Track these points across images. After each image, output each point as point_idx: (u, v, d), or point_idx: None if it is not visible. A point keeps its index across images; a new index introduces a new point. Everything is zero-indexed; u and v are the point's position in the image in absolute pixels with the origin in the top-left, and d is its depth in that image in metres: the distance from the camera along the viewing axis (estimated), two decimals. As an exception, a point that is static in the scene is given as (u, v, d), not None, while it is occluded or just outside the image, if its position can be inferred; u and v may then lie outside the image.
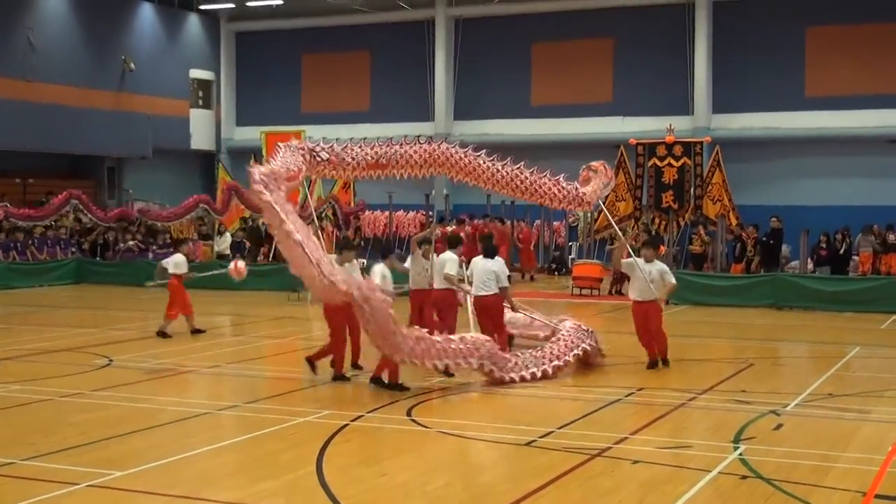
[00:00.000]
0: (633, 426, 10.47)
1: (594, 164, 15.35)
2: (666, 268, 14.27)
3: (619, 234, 18.31)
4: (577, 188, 15.01)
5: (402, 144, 14.23)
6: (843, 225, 26.18)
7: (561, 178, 14.87)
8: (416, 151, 14.18)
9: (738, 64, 32.69)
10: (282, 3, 36.39)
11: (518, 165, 14.69)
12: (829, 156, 31.74)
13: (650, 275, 13.82)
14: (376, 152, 13.97)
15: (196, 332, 17.23)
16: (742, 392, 12.34)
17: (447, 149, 14.43)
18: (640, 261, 14.00)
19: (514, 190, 14.76)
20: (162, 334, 16.84)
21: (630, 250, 15.44)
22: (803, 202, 30.61)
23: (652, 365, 13.94)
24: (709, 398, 12.03)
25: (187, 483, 8.49)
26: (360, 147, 14.03)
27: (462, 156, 14.39)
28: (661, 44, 33.69)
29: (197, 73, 38.36)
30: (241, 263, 17.01)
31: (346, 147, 13.98)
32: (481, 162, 14.48)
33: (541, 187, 14.72)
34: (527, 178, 14.67)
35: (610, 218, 19.28)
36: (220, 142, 39.47)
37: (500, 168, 14.57)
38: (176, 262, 17.45)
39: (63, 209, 28.61)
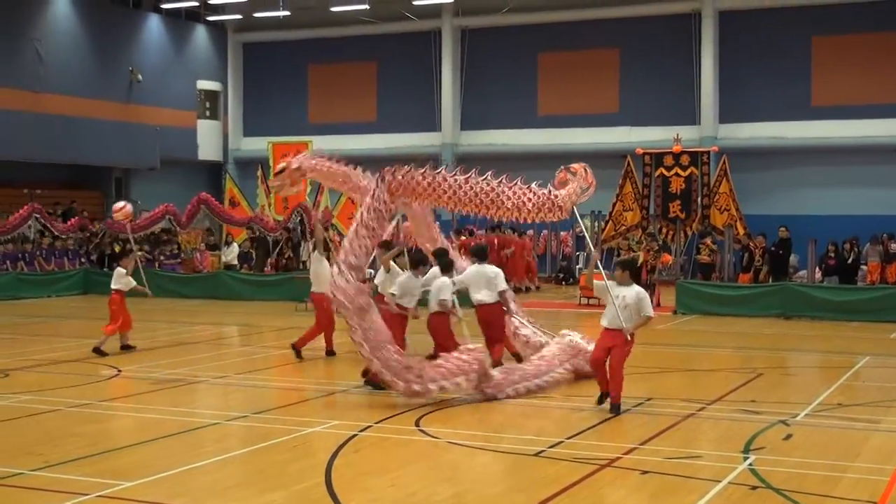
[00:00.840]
0: (642, 436, 10.40)
1: (574, 165, 13.53)
2: (645, 295, 11.80)
3: (591, 247, 15.35)
4: (549, 192, 13.22)
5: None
6: (851, 234, 26.12)
7: (533, 185, 13.19)
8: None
9: (745, 73, 32.71)
10: (289, 14, 36.49)
11: (484, 177, 13.04)
12: (837, 165, 31.72)
13: (623, 300, 11.59)
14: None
15: (126, 348, 16.48)
16: (751, 402, 12.29)
17: (404, 176, 12.89)
18: (612, 284, 11.81)
19: (477, 206, 13.10)
20: (98, 351, 15.97)
21: (602, 272, 13.12)
22: (811, 211, 30.56)
23: (601, 399, 11.88)
24: (718, 408, 11.97)
25: (195, 494, 8.47)
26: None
27: (420, 179, 12.90)
28: (667, 53, 33.72)
29: (204, 84, 38.46)
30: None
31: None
32: (441, 181, 12.96)
33: (507, 200, 12.98)
34: (492, 190, 12.99)
35: (582, 221, 14.42)
36: (227, 152, 39.58)
37: (461, 184, 13.00)
38: (116, 276, 16.77)
39: (25, 224, 28.53)
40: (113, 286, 16.57)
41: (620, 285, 11.75)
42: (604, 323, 11.82)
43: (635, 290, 11.74)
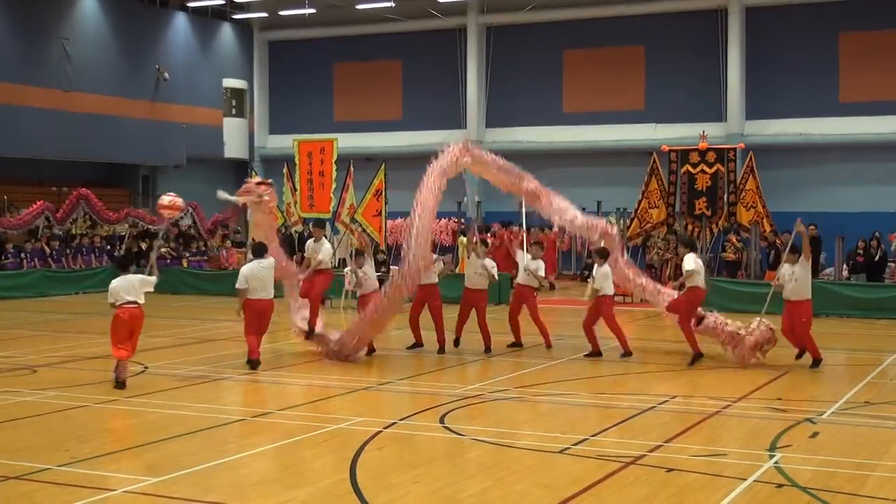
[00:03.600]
0: (667, 434, 10.38)
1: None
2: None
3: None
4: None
5: None
6: (879, 231, 25.90)
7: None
8: None
9: (771, 69, 32.50)
10: (314, 12, 36.58)
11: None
12: (864, 161, 31.47)
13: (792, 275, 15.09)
14: None
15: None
16: (777, 400, 12.25)
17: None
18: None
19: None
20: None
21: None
22: (838, 208, 30.35)
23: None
24: (744, 406, 11.94)
25: (221, 490, 8.52)
26: None
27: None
28: (693, 50, 33.55)
29: (230, 83, 38.61)
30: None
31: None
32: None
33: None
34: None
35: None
36: (253, 150, 39.73)
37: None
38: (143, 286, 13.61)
39: (35, 220, 28.78)
40: (140, 300, 13.34)
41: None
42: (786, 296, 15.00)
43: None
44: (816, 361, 14.91)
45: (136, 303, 13.08)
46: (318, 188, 23.51)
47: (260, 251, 15.04)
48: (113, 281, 13.27)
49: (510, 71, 36.01)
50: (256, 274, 14.70)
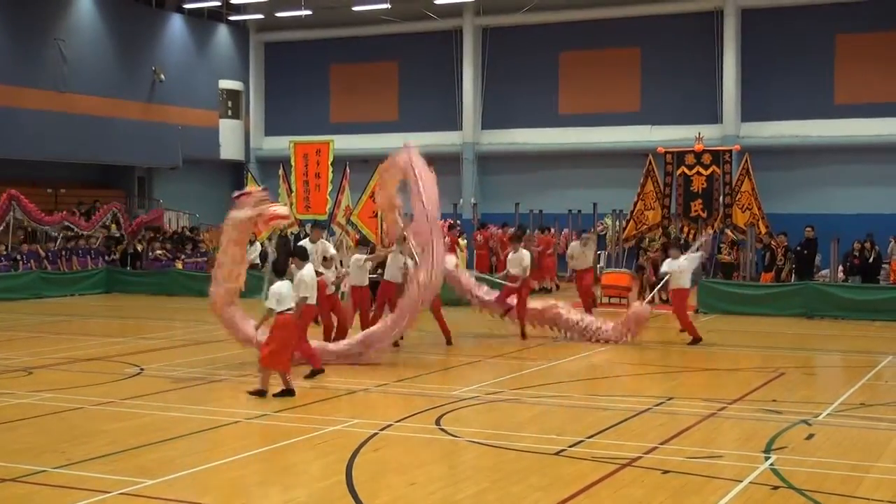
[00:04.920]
0: (662, 436, 10.36)
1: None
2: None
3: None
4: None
5: None
6: (875, 233, 25.91)
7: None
8: None
9: (767, 71, 32.54)
10: (310, 13, 36.58)
11: None
12: (860, 163, 31.53)
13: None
14: None
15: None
16: (773, 402, 12.24)
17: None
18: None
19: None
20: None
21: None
22: (833, 210, 30.40)
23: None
24: (739, 408, 11.92)
25: (218, 492, 8.51)
26: None
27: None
28: (689, 52, 33.59)
29: (226, 84, 38.59)
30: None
31: None
32: None
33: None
34: None
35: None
36: (248, 151, 39.72)
37: None
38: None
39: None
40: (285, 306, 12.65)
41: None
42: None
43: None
44: (695, 340, 17.29)
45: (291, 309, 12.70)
46: (314, 190, 23.47)
47: (305, 256, 14.31)
48: (276, 285, 12.71)
49: (506, 72, 36.03)
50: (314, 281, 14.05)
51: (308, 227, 18.62)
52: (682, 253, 17.80)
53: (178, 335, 19.23)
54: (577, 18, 34.92)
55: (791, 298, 21.99)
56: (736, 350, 17.39)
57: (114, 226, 31.17)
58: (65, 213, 30.19)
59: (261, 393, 12.48)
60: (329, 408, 12.14)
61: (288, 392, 12.49)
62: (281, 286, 12.64)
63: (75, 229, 29.84)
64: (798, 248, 25.15)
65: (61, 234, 29.99)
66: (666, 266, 17.81)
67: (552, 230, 30.55)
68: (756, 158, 29.27)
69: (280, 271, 13.14)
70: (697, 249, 18.70)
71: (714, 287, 23.23)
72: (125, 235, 30.56)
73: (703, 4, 33.34)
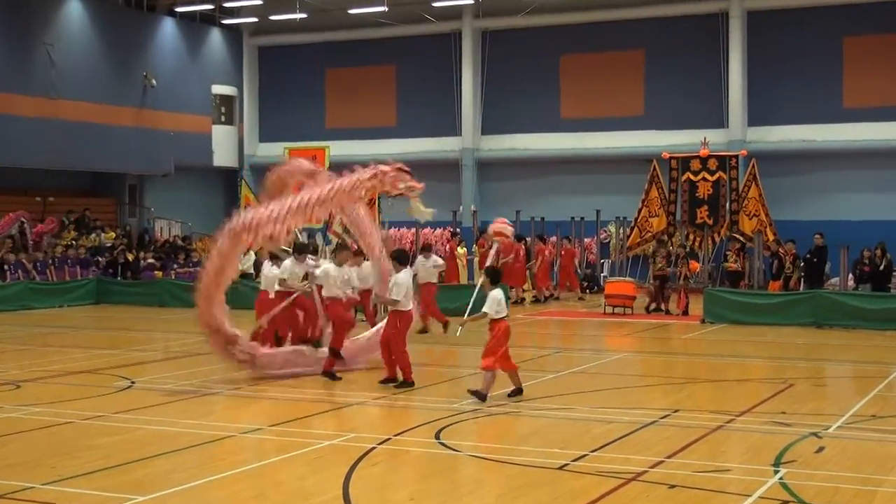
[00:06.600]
0: (669, 449, 10.17)
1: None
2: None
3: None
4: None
5: None
6: (886, 240, 25.59)
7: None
8: None
9: (774, 75, 32.22)
10: (305, 16, 36.24)
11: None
12: (869, 168, 31.20)
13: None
14: None
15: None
16: (782, 414, 12.04)
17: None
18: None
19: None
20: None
21: None
22: (843, 217, 30.05)
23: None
24: (747, 420, 11.73)
25: (211, 509, 8.40)
26: None
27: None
28: (693, 55, 33.25)
29: (219, 89, 38.22)
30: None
31: None
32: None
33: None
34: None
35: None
36: (242, 158, 39.20)
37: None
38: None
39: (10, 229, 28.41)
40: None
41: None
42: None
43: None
44: None
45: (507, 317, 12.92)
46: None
47: (404, 259, 14.36)
48: (493, 293, 12.67)
49: (506, 76, 35.70)
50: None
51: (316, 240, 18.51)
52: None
53: (170, 347, 19.00)
54: (579, 21, 34.55)
55: (800, 307, 21.66)
56: (743, 361, 17.18)
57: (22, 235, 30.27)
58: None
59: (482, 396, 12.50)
60: (325, 421, 12.03)
61: (518, 391, 12.89)
62: (496, 293, 12.60)
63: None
64: (807, 256, 24.87)
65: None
66: None
67: (552, 239, 29.93)
68: (763, 164, 29.04)
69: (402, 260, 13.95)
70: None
71: (720, 296, 22.90)
72: (32, 244, 29.82)
73: (707, 6, 33.00)
